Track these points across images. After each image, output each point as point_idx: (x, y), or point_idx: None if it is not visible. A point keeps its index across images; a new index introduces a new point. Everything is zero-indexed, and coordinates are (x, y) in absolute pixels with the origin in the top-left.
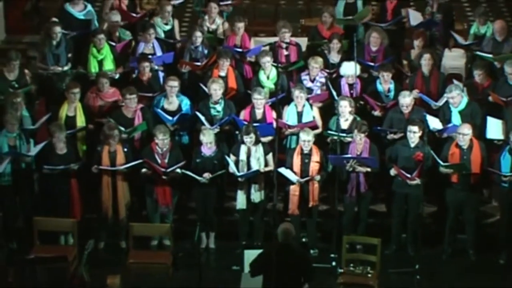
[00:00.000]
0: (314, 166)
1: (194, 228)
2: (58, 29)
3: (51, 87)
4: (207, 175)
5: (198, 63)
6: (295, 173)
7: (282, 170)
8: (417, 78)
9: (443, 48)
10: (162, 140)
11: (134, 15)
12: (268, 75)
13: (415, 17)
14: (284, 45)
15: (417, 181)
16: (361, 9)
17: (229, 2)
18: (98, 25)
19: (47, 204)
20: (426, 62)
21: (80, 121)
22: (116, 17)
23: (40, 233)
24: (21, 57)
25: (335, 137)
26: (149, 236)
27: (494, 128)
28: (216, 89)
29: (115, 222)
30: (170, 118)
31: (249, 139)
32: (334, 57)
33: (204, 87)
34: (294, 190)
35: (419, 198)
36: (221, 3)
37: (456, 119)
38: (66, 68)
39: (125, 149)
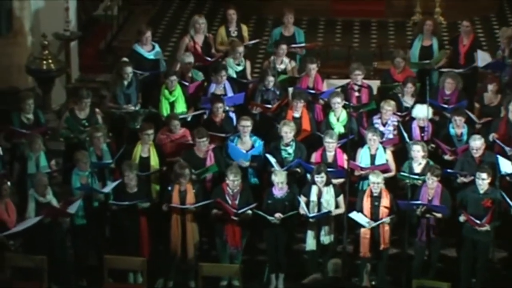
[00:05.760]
0: (384, 209)
1: (263, 269)
2: (129, 69)
3: (122, 126)
4: (278, 215)
5: (269, 105)
6: (365, 215)
7: (353, 215)
8: (502, 122)
9: None
10: (232, 181)
11: (208, 59)
12: (338, 117)
13: (483, 58)
14: (356, 87)
15: (487, 227)
16: (436, 52)
17: (302, 45)
18: (166, 66)
19: (117, 242)
20: None
21: (154, 162)
22: (190, 59)
23: (109, 271)
24: (93, 96)
25: (408, 181)
26: (218, 276)
27: None
28: (287, 132)
29: (184, 261)
30: (245, 151)
31: (320, 178)
32: (408, 100)
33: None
34: (365, 233)
35: (488, 244)
36: (293, 45)
37: None
38: (137, 107)
39: (195, 189)
